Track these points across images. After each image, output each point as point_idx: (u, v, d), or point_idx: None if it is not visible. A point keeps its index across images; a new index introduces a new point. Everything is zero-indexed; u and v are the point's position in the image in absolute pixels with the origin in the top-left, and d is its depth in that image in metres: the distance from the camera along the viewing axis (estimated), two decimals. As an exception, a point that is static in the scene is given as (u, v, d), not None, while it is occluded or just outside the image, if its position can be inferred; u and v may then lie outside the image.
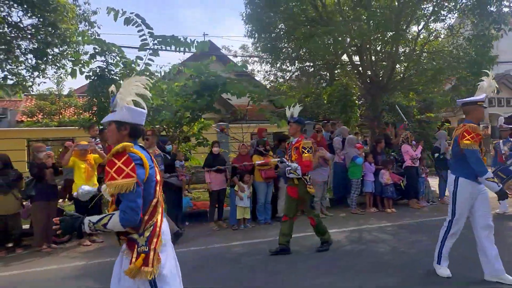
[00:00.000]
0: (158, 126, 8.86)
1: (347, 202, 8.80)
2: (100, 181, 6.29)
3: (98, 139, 7.31)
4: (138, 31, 8.01)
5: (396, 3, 8.98)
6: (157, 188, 2.32)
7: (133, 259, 2.14)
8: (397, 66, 9.60)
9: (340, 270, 4.65)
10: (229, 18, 77.48)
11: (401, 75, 9.64)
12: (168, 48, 8.31)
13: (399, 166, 9.06)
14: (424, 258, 4.74)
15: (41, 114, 15.18)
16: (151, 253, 2.15)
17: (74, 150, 6.23)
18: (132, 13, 7.60)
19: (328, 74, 11.20)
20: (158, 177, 2.33)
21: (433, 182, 9.67)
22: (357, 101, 12.42)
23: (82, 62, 8.84)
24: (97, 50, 8.55)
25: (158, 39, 7.94)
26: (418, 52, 9.90)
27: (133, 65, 8.68)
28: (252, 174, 7.34)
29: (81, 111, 15.88)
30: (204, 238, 6.55)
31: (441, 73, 8.69)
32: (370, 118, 9.79)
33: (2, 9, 7.06)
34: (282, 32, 9.13)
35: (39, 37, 7.04)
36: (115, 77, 8.70)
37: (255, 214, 7.50)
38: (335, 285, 4.17)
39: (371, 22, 8.80)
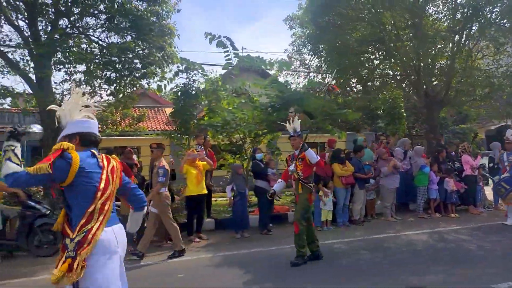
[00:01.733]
0: (237, 136, 9.75)
1: (409, 207, 9.57)
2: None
3: (201, 147, 8.14)
4: (224, 52, 8.93)
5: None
6: (97, 195, 2.32)
7: (60, 263, 2.19)
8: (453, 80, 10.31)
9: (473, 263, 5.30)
10: (264, 32, 79.21)
11: (456, 90, 10.39)
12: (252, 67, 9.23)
13: (456, 175, 9.77)
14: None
15: (101, 124, 16.16)
16: (77, 259, 2.17)
17: (187, 159, 7.11)
18: (225, 37, 8.50)
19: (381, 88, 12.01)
20: (102, 185, 2.35)
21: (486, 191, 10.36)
22: (404, 114, 13.16)
23: (168, 78, 9.82)
24: (180, 68, 9.53)
25: (245, 59, 8.84)
26: (468, 67, 10.63)
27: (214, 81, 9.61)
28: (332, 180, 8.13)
29: (136, 122, 16.91)
30: (290, 238, 7.30)
31: (499, 89, 9.44)
32: (427, 130, 10.54)
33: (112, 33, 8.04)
34: (349, 51, 9.94)
35: (145, 58, 7.94)
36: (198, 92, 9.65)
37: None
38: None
39: (428, 40, 9.60)
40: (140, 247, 6.04)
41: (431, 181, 8.96)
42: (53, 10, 7.32)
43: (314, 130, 9.65)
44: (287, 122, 5.74)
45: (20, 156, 2.22)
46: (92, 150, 2.45)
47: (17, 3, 7.63)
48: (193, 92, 9.61)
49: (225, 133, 9.62)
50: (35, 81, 7.85)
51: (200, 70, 9.71)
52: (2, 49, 7.89)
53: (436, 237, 7.08)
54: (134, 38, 7.31)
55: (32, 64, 8.10)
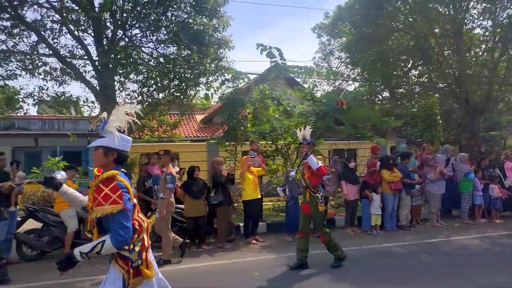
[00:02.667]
0: (282, 143, 10.10)
1: (452, 213, 9.73)
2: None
3: (255, 153, 8.47)
4: (272, 61, 9.32)
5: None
6: (136, 208, 2.53)
7: (130, 276, 2.39)
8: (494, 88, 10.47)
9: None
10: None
11: (495, 98, 10.55)
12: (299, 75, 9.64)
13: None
14: None
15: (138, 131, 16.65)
16: (144, 264, 2.44)
17: (248, 164, 7.47)
18: (275, 47, 8.88)
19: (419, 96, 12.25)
20: (135, 201, 2.52)
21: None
22: (440, 121, 13.33)
23: (215, 87, 10.24)
24: (226, 77, 9.93)
25: (293, 68, 9.21)
26: (509, 75, 10.78)
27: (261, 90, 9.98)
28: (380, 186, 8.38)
29: (171, 128, 17.38)
30: (346, 241, 7.58)
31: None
32: (467, 137, 10.71)
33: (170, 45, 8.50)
34: (391, 61, 10.22)
35: (200, 68, 8.37)
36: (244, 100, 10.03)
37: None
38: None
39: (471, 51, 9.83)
40: (166, 255, 6.14)
41: (475, 188, 9.12)
42: (119, 22, 7.83)
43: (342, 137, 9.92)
44: (297, 129, 5.85)
45: (88, 249, 2.30)
46: (123, 170, 2.51)
47: (83, 18, 8.18)
48: (240, 100, 10.02)
49: (271, 139, 9.98)
50: (98, 89, 8.34)
51: (246, 80, 10.14)
52: (68, 59, 8.43)
53: (489, 241, 7.25)
54: (194, 50, 7.75)
55: (93, 72, 8.63)
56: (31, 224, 6.94)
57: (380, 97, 13.94)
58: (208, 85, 9.73)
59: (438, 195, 8.81)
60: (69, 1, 8.09)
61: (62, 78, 8.83)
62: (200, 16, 7.48)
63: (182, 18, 7.34)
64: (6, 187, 6.01)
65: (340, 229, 8.49)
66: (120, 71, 7.84)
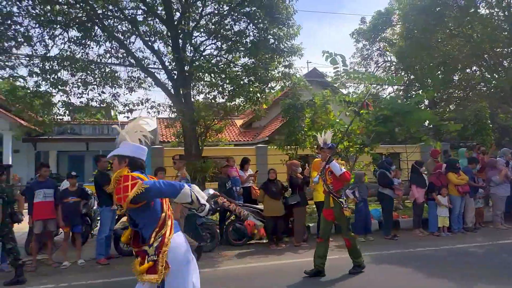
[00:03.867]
0: (341, 146, 10.39)
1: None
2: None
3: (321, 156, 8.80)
4: (334, 68, 9.65)
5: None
6: (164, 204, 2.64)
7: (141, 265, 2.52)
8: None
9: None
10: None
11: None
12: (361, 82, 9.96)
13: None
14: None
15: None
16: (160, 261, 2.47)
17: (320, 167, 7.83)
18: (339, 54, 9.21)
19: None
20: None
21: None
22: (490, 125, 13.36)
23: (275, 92, 10.65)
24: (286, 83, 10.30)
25: (355, 75, 9.52)
26: None
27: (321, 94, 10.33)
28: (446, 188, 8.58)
29: (215, 133, 17.85)
30: (418, 242, 7.81)
31: None
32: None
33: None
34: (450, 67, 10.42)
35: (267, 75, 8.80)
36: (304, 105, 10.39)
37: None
38: None
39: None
40: None
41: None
42: (199, 34, 8.40)
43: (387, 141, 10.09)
44: (318, 134, 5.85)
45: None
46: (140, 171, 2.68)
47: (163, 33, 8.80)
48: (300, 105, 10.40)
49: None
50: (174, 95, 8.87)
51: (309, 86, 10.50)
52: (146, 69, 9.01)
53: None
54: (268, 57, 8.19)
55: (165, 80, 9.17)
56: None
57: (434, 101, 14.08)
58: (270, 91, 10.14)
59: (504, 197, 8.93)
60: (149, 14, 8.68)
61: (139, 84, 9.41)
62: (278, 27, 7.88)
63: (265, 27, 7.77)
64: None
65: (406, 231, 8.72)
66: (197, 78, 8.36)
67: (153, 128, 19.53)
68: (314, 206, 8.26)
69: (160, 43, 9.30)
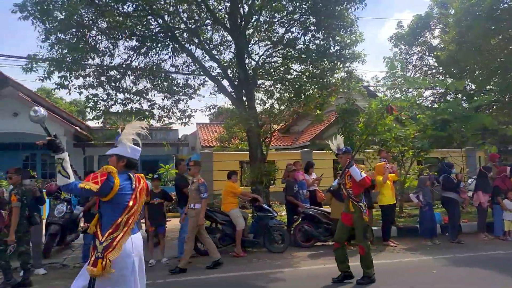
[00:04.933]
0: (396, 150, 10.47)
1: None
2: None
3: (386, 160, 8.92)
4: (392, 74, 9.75)
5: None
6: (126, 211, 2.84)
7: (91, 262, 2.73)
8: None
9: None
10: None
11: None
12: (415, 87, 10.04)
13: None
14: None
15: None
16: (104, 260, 2.69)
17: (389, 171, 7.98)
18: (398, 59, 9.36)
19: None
20: (131, 204, 2.87)
21: None
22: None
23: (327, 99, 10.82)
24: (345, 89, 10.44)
25: (413, 80, 9.60)
26: None
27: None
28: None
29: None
30: (482, 246, 7.81)
31: None
32: None
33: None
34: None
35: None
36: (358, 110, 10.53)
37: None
38: None
39: None
40: (213, 255, 6.41)
41: None
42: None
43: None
44: (329, 141, 5.79)
45: (68, 168, 2.73)
46: (129, 173, 2.98)
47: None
48: (354, 110, 10.55)
49: (386, 147, 10.39)
50: (238, 102, 9.20)
51: (363, 92, 10.64)
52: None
53: None
54: (331, 64, 8.43)
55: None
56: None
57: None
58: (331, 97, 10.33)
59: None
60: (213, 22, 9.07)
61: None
62: (340, 34, 8.10)
63: (325, 38, 8.02)
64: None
65: (469, 235, 8.71)
66: (258, 84, 8.68)
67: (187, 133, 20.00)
68: (380, 209, 8.37)
69: (223, 51, 9.65)
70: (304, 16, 8.21)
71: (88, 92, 8.78)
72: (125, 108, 9.38)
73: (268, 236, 7.49)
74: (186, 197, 6.98)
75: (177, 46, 8.82)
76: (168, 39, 8.79)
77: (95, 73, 8.64)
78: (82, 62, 7.97)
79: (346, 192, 5.37)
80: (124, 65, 9.08)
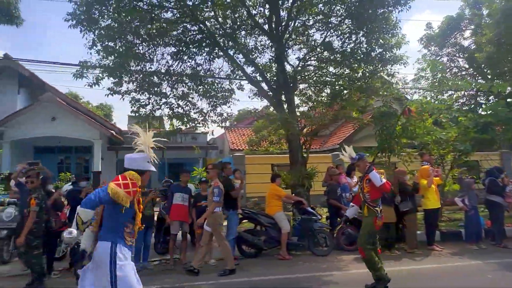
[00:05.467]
0: (436, 153, 10.32)
1: None
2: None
3: (428, 163, 8.81)
4: (433, 75, 9.66)
5: None
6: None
7: None
8: None
9: None
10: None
11: None
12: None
13: None
14: None
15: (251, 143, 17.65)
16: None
17: (434, 175, 7.92)
18: (438, 62, 9.26)
19: None
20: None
21: None
22: None
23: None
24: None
25: (455, 81, 9.48)
26: None
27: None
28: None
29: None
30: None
31: None
32: None
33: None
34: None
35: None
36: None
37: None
38: None
39: None
40: (195, 263, 6.21)
41: None
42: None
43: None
44: (341, 153, 5.77)
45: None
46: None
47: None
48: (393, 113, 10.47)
49: (426, 150, 10.27)
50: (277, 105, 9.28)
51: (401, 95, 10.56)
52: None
53: None
54: (373, 67, 8.42)
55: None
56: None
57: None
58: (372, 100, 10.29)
59: None
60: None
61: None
62: (383, 38, 8.08)
63: (369, 41, 8.02)
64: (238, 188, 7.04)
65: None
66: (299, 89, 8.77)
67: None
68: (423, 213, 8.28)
69: (258, 56, 9.77)
70: (345, 20, 8.23)
71: (133, 97, 9.05)
72: (168, 112, 9.61)
73: (312, 239, 7.51)
74: (232, 200, 7.10)
75: (216, 51, 8.99)
76: (209, 45, 8.97)
77: (139, 79, 8.89)
78: (129, 68, 8.21)
79: (363, 197, 5.32)
80: (164, 71, 9.31)
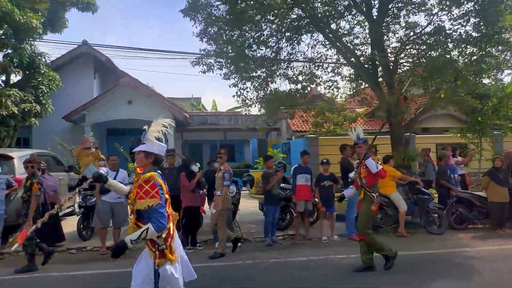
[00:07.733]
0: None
1: None
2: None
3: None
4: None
5: None
6: (167, 204, 3.06)
7: (156, 257, 2.93)
8: None
9: None
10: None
11: None
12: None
13: None
14: None
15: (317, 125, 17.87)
16: (169, 248, 2.98)
17: None
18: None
19: None
20: (167, 196, 3.08)
21: None
22: None
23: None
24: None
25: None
26: None
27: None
28: None
29: (350, 122, 18.30)
30: None
31: None
32: None
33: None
34: None
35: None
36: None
37: None
38: None
39: None
40: (220, 249, 6.32)
41: None
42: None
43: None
44: (349, 130, 5.81)
45: (136, 236, 2.88)
46: (158, 171, 3.07)
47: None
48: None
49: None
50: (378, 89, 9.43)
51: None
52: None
53: None
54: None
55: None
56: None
57: None
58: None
59: None
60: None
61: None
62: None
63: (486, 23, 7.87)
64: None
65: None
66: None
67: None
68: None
69: (353, 40, 9.89)
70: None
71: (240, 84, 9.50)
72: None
73: (427, 218, 7.81)
74: (350, 181, 7.44)
75: (317, 35, 9.19)
76: (311, 30, 9.18)
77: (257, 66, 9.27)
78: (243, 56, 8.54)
79: (360, 182, 5.42)
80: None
